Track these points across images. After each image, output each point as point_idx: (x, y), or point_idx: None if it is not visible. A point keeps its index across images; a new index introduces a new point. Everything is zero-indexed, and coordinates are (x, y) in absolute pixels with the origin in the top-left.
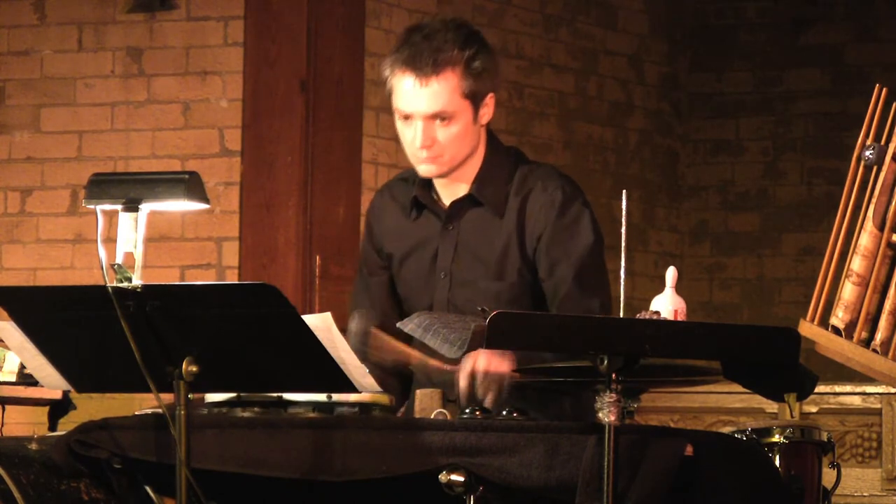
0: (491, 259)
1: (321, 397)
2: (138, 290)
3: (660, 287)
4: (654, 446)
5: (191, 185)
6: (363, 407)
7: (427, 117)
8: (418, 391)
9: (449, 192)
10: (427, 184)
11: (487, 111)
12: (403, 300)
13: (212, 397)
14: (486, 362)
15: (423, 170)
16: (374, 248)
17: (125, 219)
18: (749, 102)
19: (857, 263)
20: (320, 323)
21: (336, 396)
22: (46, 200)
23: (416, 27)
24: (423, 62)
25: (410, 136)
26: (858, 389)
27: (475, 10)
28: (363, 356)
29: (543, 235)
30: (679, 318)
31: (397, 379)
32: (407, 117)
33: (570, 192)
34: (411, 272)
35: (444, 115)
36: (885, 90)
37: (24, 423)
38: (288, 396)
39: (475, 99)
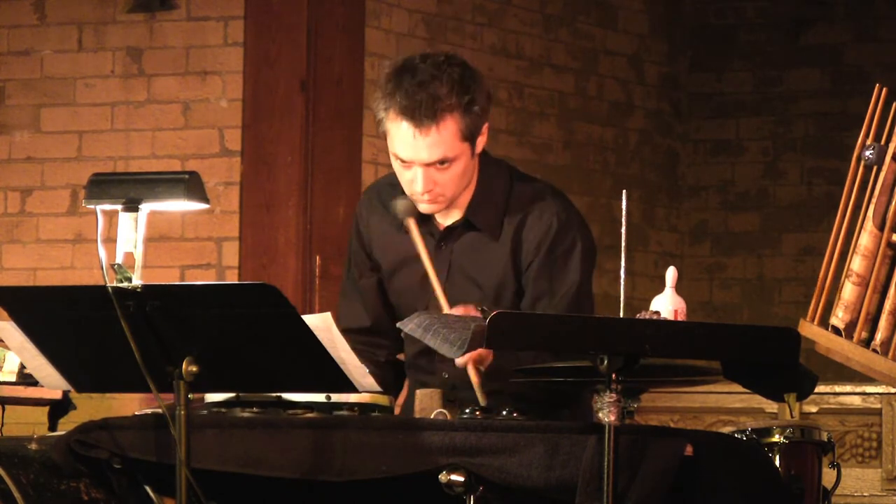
0: (487, 283)
1: (320, 398)
2: (138, 290)
3: (660, 287)
4: (654, 446)
5: (191, 185)
6: (363, 408)
7: (427, 164)
8: (418, 391)
9: (442, 215)
10: None
11: (482, 139)
12: (395, 307)
13: (211, 397)
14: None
15: (424, 209)
16: (363, 252)
17: (125, 219)
18: (749, 102)
19: (857, 263)
20: (320, 323)
21: (335, 397)
22: (46, 200)
23: (406, 68)
24: (423, 113)
25: (409, 177)
26: (858, 389)
27: (475, 9)
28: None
29: (533, 263)
30: (679, 318)
31: (391, 373)
32: (406, 163)
33: (565, 219)
34: (402, 285)
35: (444, 160)
36: (885, 90)
37: (24, 423)
38: (287, 397)
39: (473, 137)
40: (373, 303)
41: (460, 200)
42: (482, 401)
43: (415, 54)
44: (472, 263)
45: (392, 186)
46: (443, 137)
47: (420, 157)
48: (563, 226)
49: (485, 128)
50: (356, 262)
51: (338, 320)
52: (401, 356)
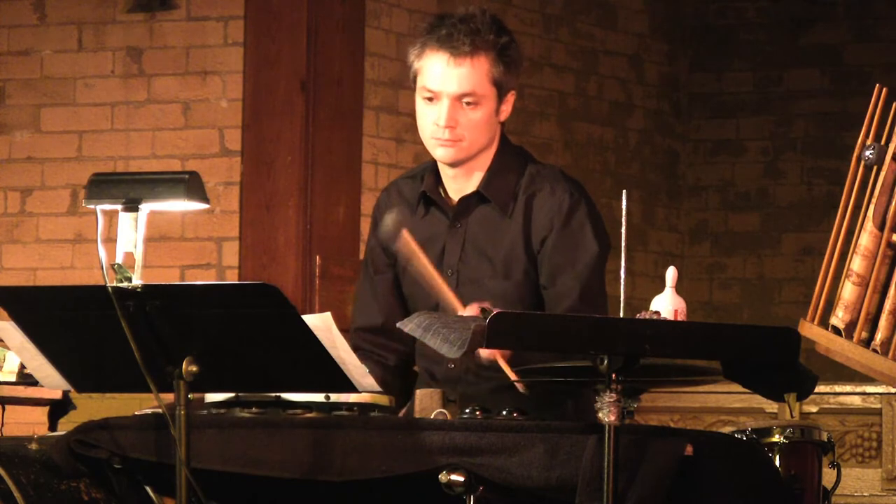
0: (497, 258)
1: (319, 397)
2: (138, 290)
3: (660, 287)
4: (654, 446)
5: (191, 185)
6: (362, 407)
7: (455, 97)
8: (418, 391)
9: (457, 187)
10: (436, 180)
11: (507, 108)
12: (408, 298)
13: (211, 397)
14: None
15: (441, 153)
16: (380, 247)
17: (125, 219)
18: (749, 102)
19: (857, 263)
20: (320, 323)
21: (335, 397)
22: (46, 200)
23: (447, 13)
24: (461, 42)
25: (433, 116)
26: (858, 389)
27: None
28: (393, 241)
29: (548, 240)
30: (679, 318)
31: (399, 379)
32: (432, 98)
33: (577, 197)
34: (417, 272)
35: (472, 96)
36: (885, 90)
37: (24, 423)
38: (286, 396)
39: (501, 89)
40: (386, 301)
41: (477, 167)
42: (512, 376)
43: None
44: (485, 239)
45: (411, 179)
46: (475, 72)
47: (449, 87)
48: (574, 202)
49: (511, 96)
50: (372, 258)
51: (339, 321)
52: (415, 368)
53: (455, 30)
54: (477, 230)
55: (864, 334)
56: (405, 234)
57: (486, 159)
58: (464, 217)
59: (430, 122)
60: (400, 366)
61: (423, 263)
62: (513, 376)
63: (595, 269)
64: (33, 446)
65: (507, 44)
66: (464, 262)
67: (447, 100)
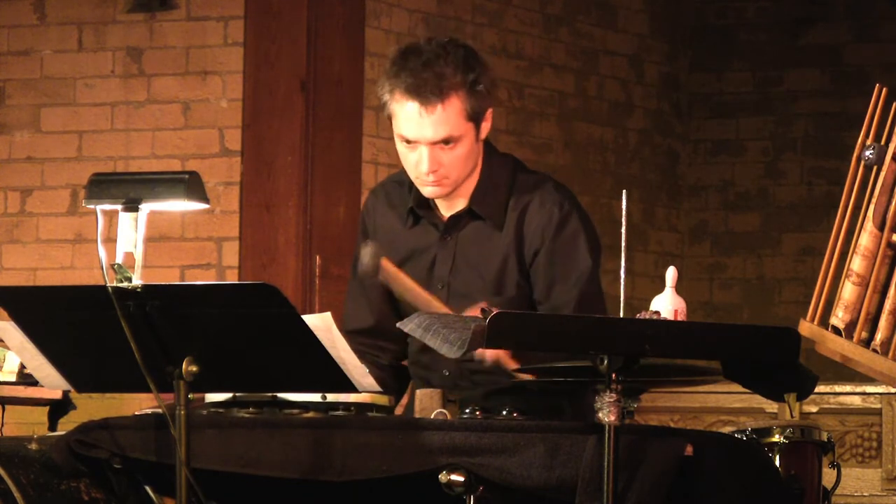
0: (489, 273)
1: (316, 397)
2: (138, 290)
3: (660, 287)
4: (654, 446)
5: (191, 185)
6: (359, 407)
7: (432, 143)
8: (418, 391)
9: (447, 204)
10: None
11: (487, 125)
12: (401, 303)
13: (211, 397)
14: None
15: (429, 192)
16: None
17: (125, 219)
18: (749, 102)
19: (857, 263)
20: (320, 323)
21: (332, 396)
22: (46, 200)
23: (411, 50)
24: (428, 90)
25: (414, 160)
26: (858, 389)
27: (475, 9)
28: (374, 275)
29: (540, 253)
30: (679, 318)
31: (394, 377)
32: (410, 142)
33: (567, 208)
34: (403, 296)
35: (449, 139)
36: (885, 90)
37: (24, 423)
38: (284, 396)
39: (478, 119)
40: (377, 303)
41: (464, 188)
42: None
43: (419, 39)
44: (476, 253)
45: (399, 184)
46: (448, 115)
47: (425, 136)
48: (565, 214)
49: (489, 113)
50: None
51: (339, 321)
52: (405, 363)
53: (420, 79)
54: (468, 245)
55: (864, 334)
56: (385, 265)
57: (473, 178)
58: (455, 231)
59: (413, 164)
60: (394, 365)
61: (409, 287)
62: (515, 365)
63: (591, 278)
64: (33, 446)
65: (476, 79)
66: (455, 275)
67: (426, 147)
